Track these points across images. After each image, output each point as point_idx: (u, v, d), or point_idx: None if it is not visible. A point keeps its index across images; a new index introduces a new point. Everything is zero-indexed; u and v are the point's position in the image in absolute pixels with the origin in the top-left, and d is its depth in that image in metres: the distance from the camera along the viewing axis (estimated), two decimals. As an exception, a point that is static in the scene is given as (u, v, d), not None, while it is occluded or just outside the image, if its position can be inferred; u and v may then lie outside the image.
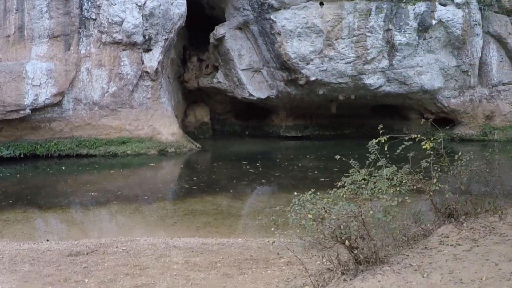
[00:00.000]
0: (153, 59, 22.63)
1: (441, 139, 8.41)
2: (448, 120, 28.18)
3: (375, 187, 6.82)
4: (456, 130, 27.96)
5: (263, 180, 16.99)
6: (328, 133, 29.79)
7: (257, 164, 20.01)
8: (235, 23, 25.59)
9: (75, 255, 8.51)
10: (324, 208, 6.43)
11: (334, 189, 7.12)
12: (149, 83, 22.91)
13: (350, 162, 7.91)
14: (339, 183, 7.27)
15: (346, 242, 5.98)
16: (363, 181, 7.04)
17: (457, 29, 24.83)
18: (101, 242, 9.25)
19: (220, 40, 25.63)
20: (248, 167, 19.44)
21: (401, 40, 24.17)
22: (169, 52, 24.17)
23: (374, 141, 7.87)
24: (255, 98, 26.81)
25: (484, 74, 27.30)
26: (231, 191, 15.53)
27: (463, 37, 25.31)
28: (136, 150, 22.02)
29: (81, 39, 21.71)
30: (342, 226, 5.97)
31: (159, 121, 23.20)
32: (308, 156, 22.54)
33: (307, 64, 24.16)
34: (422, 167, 8.42)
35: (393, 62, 24.55)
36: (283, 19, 23.77)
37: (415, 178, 8.10)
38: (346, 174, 7.49)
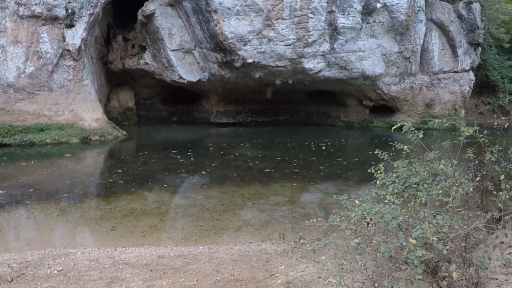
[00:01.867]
0: (76, 36, 20.78)
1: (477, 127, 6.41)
2: (386, 107, 28.31)
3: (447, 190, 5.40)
4: (395, 118, 27.83)
5: (202, 172, 15.92)
6: (262, 119, 28.78)
7: (188, 153, 18.61)
8: (167, -1, 24.23)
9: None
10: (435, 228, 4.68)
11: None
12: (71, 63, 20.99)
13: (381, 155, 6.96)
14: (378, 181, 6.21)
15: (454, 274, 4.42)
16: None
17: (401, 14, 24.27)
18: (27, 258, 7.48)
19: (149, 17, 23.84)
20: (179, 156, 18.26)
21: (344, 23, 23.56)
22: (93, 29, 22.16)
23: (406, 127, 6.52)
24: (185, 82, 25.31)
25: (425, 62, 27.33)
26: (171, 185, 13.87)
27: (406, 22, 25.07)
28: (56, 138, 20.10)
29: (-6, 12, 19.60)
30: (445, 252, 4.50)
31: (81, 106, 21.35)
32: (242, 144, 21.43)
33: (245, 45, 22.93)
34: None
35: (335, 45, 24.03)
36: (221, -4, 22.50)
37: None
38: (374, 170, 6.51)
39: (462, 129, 5.96)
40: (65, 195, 12.70)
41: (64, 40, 20.67)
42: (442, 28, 27.05)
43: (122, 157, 18.53)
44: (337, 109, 28.67)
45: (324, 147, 20.89)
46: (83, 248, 8.34)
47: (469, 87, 28.51)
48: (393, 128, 6.85)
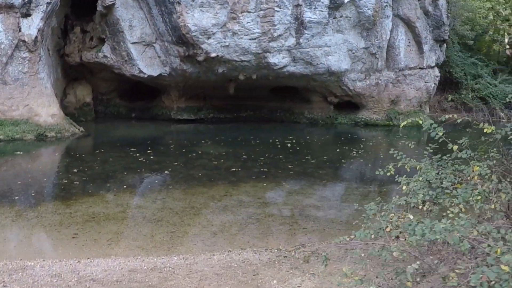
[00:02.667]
0: (32, 26, 19.58)
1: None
2: (351, 104, 27.94)
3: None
4: (360, 115, 27.55)
5: (166, 172, 15.05)
6: (224, 116, 27.89)
7: (149, 151, 17.72)
8: (128, -11, 23.04)
9: None
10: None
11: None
12: (27, 55, 19.79)
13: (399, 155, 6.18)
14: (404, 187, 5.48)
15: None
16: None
17: (368, 9, 23.75)
18: (-23, 275, 6.53)
19: (109, 8, 22.67)
20: (138, 154, 17.40)
21: (311, 18, 22.95)
22: (51, 19, 20.92)
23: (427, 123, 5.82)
24: (146, 76, 24.24)
25: (391, 58, 26.98)
26: (134, 186, 13.01)
27: (373, 18, 24.61)
28: (9, 134, 18.88)
29: None
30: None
31: (36, 100, 20.17)
32: (204, 141, 20.57)
33: (208, 38, 22.01)
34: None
35: (301, 40, 23.41)
36: (185, -14, 21.46)
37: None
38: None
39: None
40: (20, 197, 11.76)
41: (20, 30, 19.49)
42: (409, 24, 26.73)
43: (80, 155, 17.46)
44: (301, 106, 28.10)
45: (289, 145, 20.31)
46: (43, 260, 7.48)
47: (434, 83, 28.32)
48: (401, 125, 6.22)
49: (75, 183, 13.09)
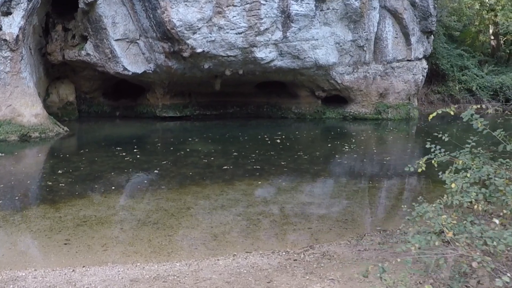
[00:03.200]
0: (13, 25, 18.99)
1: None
2: (339, 98, 27.58)
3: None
4: (348, 109, 27.20)
5: (155, 171, 14.69)
6: (210, 112, 27.36)
7: (135, 150, 17.23)
8: (110, -15, 22.34)
9: None
10: None
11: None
12: (8, 54, 19.15)
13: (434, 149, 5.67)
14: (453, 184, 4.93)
15: None
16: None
17: (355, 1, 23.22)
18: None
19: (92, 4, 22.01)
20: (124, 153, 16.79)
21: (297, 10, 22.47)
22: (32, 17, 20.32)
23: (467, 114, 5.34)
24: (130, 74, 23.63)
25: (379, 50, 26.62)
26: (124, 186, 12.63)
27: (361, 10, 24.20)
28: None
29: None
30: None
31: (19, 100, 19.57)
32: (191, 139, 20.07)
33: (194, 33, 21.43)
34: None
35: (288, 34, 22.97)
36: (168, -20, 20.78)
37: None
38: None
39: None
40: (4, 201, 11.19)
41: (1, 29, 18.87)
42: (396, 15, 26.38)
43: (65, 155, 16.86)
44: (288, 101, 27.67)
45: (279, 141, 19.89)
46: (34, 269, 6.98)
47: (422, 75, 28.02)
48: (430, 116, 5.78)
49: (62, 185, 12.55)
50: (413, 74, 27.42)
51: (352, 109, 26.94)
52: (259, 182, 13.10)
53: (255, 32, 22.01)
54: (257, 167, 15.01)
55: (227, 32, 21.74)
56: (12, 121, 19.31)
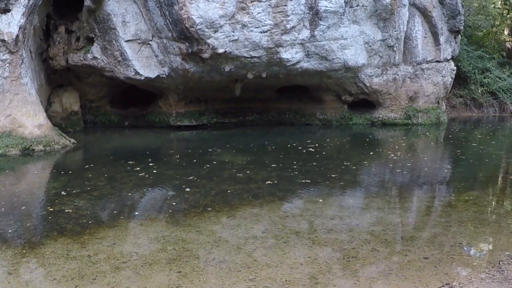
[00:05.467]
0: (12, 23, 16.08)
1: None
2: (366, 102, 24.88)
3: None
4: (376, 114, 24.47)
5: (186, 188, 11.78)
6: (228, 120, 24.47)
7: (153, 163, 14.22)
8: (119, -20, 19.34)
9: None
10: None
11: None
12: (7, 57, 16.22)
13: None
14: None
15: None
16: None
17: None
18: None
19: (99, 2, 19.13)
20: (142, 167, 13.76)
21: (327, 7, 19.69)
22: (33, 16, 17.56)
23: None
24: (142, 78, 20.66)
25: (408, 51, 23.86)
26: (159, 210, 9.83)
27: (391, 6, 21.70)
28: None
29: None
30: None
31: (20, 109, 16.64)
32: (211, 149, 17.02)
33: (215, 32, 18.55)
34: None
35: (315, 33, 20.23)
36: (188, -27, 17.91)
37: None
38: None
39: None
40: (12, 233, 8.34)
41: (-2, 28, 16.06)
42: (425, 13, 23.77)
43: (77, 171, 13.85)
44: (312, 106, 24.90)
45: (312, 149, 17.18)
46: None
47: (451, 77, 25.45)
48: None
49: (85, 208, 9.67)
50: (442, 76, 24.84)
51: (380, 114, 24.28)
52: (320, 200, 10.31)
53: (281, 30, 19.32)
54: (307, 180, 12.25)
55: (251, 31, 19.01)
56: (13, 133, 16.37)
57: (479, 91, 30.55)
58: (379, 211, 9.42)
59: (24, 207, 10.00)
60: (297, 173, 13.26)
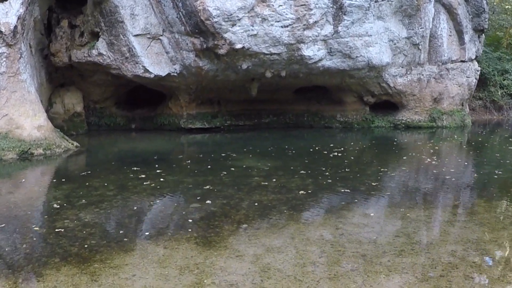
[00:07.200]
0: (10, 12, 14.24)
1: None
2: (388, 104, 22.97)
3: None
4: (400, 116, 22.55)
5: (207, 201, 9.85)
6: (243, 123, 22.62)
7: (164, 169, 12.41)
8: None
9: None
10: None
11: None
12: (4, 50, 14.36)
13: None
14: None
15: None
16: None
17: None
18: None
19: (106, -7, 17.35)
20: (156, 174, 12.03)
21: (351, 1, 17.96)
22: (33, 6, 15.83)
23: None
24: (152, 76, 18.73)
25: (433, 50, 21.92)
26: (184, 227, 7.68)
27: (417, 2, 19.87)
28: None
29: None
30: None
31: (18, 109, 14.77)
32: (224, 154, 15.05)
33: (233, 25, 16.63)
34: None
35: (339, 28, 18.30)
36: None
37: None
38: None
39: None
40: (5, 257, 6.38)
41: (-6, 18, 14.11)
42: (450, 10, 21.92)
43: (82, 178, 11.80)
44: (331, 108, 22.99)
45: (339, 154, 15.33)
46: None
47: (476, 78, 23.59)
48: None
49: (88, 226, 7.74)
50: (467, 77, 22.99)
51: (404, 117, 22.42)
52: (372, 214, 8.39)
53: (304, 25, 17.45)
54: (347, 190, 10.34)
55: (272, 25, 17.13)
56: (9, 135, 14.44)
57: (499, 93, 28.74)
58: (448, 225, 7.53)
59: (19, 222, 8.03)
60: (331, 180, 11.37)
